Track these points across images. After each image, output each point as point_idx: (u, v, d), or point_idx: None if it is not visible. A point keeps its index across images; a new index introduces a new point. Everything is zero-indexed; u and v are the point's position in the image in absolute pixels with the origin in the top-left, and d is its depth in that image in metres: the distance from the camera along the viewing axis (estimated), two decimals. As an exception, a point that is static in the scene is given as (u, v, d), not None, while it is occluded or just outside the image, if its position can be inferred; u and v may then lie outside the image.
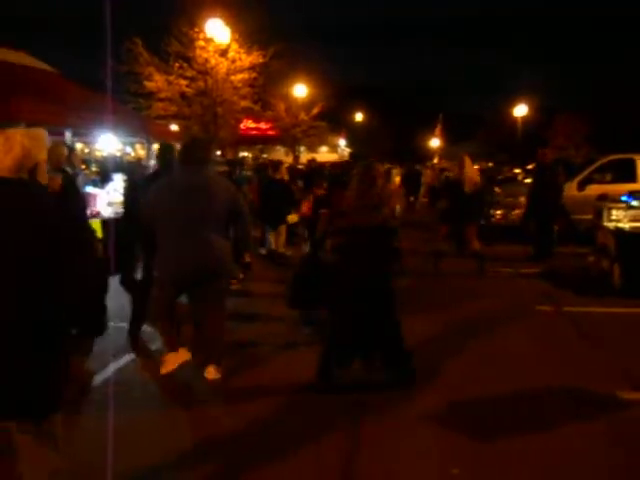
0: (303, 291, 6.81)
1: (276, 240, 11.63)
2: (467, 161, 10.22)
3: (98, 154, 18.61)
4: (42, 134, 2.71)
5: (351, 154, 45.77)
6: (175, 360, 5.37)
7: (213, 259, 5.13)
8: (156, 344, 6.32)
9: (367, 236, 5.14)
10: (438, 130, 53.48)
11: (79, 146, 14.74)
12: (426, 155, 52.36)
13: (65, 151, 6.60)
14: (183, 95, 21.69)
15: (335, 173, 14.72)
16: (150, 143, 12.13)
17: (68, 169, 6.67)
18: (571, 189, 13.52)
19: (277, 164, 12.92)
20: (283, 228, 11.67)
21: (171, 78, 21.13)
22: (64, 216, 2.61)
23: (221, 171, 11.06)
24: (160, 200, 5.19)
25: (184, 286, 5.31)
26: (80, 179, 7.64)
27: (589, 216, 11.44)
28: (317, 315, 6.80)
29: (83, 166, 12.03)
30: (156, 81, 20.89)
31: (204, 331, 5.42)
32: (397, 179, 26.21)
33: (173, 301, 5.37)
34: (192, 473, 3.96)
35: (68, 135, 9.16)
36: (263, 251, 11.82)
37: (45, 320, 2.51)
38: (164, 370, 5.34)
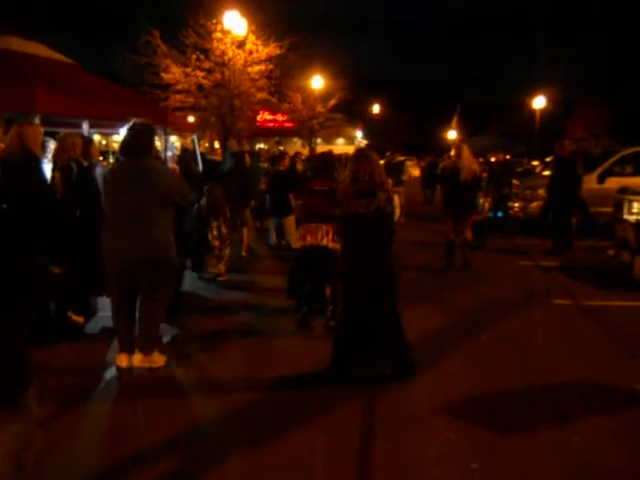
0: (295, 281, 6.82)
1: (286, 231, 11.56)
2: (465, 150, 10.01)
3: (115, 145, 18.67)
4: None
5: (367, 146, 45.61)
6: (126, 361, 5.29)
7: (150, 249, 5.05)
8: (167, 336, 6.34)
9: (364, 223, 5.12)
10: (455, 122, 53.08)
11: (97, 138, 14.78)
12: (444, 147, 52.04)
13: (79, 142, 6.60)
14: (200, 87, 21.69)
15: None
16: (167, 135, 12.13)
17: (84, 162, 6.66)
18: (591, 182, 13.37)
19: (281, 155, 12.87)
20: (291, 219, 11.55)
21: (188, 70, 21.13)
22: None
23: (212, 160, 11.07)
24: (109, 189, 5.22)
25: (130, 277, 5.16)
26: (98, 171, 7.64)
27: (609, 209, 11.30)
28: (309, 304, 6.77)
29: (100, 158, 12.04)
30: (173, 73, 20.91)
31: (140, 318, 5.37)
32: (412, 171, 26.04)
33: (128, 295, 5.25)
34: (203, 458, 3.94)
35: (85, 127, 9.17)
36: (283, 242, 11.81)
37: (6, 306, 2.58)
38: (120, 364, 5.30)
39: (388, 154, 22.53)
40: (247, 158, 11.40)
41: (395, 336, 5.22)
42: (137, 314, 5.38)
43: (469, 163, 9.89)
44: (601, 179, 13.88)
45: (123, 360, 5.27)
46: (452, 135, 55.16)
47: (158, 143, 11.38)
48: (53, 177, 6.34)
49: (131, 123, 5.27)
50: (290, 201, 11.23)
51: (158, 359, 5.37)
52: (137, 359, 5.26)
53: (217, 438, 4.27)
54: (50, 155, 6.81)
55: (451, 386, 5.17)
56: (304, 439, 4.20)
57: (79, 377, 5.27)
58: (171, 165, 11.34)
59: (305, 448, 4.08)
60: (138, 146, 5.15)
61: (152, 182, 5.06)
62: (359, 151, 5.61)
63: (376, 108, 55.27)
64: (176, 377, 5.35)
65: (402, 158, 22.78)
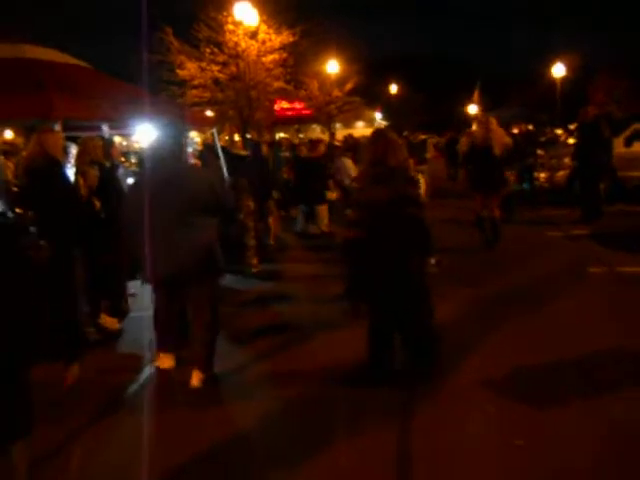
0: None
1: (319, 219, 11.62)
2: (493, 122, 9.56)
3: (136, 146, 18.75)
4: None
5: (387, 127, 45.32)
6: (167, 362, 5.16)
7: (191, 256, 4.72)
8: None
9: (384, 210, 4.72)
10: (476, 96, 52.50)
11: (117, 139, 14.87)
12: (465, 122, 51.54)
13: (100, 144, 6.65)
14: (216, 81, 21.67)
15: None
16: (186, 131, 12.14)
17: (107, 163, 6.71)
18: (618, 146, 13.10)
19: (313, 142, 12.83)
20: (324, 207, 11.61)
21: (203, 64, 21.11)
22: None
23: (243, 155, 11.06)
24: (136, 197, 4.88)
25: (172, 285, 4.91)
26: (120, 172, 7.69)
27: (638, 173, 11.09)
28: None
29: (122, 159, 12.11)
30: (189, 69, 20.91)
31: (193, 333, 5.09)
32: (434, 148, 25.84)
33: (171, 298, 5.03)
34: (242, 462, 3.92)
35: (105, 129, 9.20)
36: (315, 229, 11.83)
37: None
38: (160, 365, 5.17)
39: (406, 133, 22.37)
40: (264, 147, 11.37)
41: (418, 327, 4.91)
42: (176, 318, 5.21)
43: (499, 135, 9.55)
44: (628, 142, 13.59)
45: (164, 361, 5.15)
46: (473, 109, 54.62)
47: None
48: (76, 181, 6.38)
49: (161, 123, 5.05)
50: (323, 189, 11.26)
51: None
52: (196, 379, 4.95)
53: (254, 445, 4.15)
54: (72, 160, 6.87)
55: (485, 364, 5.11)
56: (348, 427, 4.17)
57: (115, 380, 5.25)
58: (192, 161, 11.37)
59: (350, 436, 4.06)
60: (166, 149, 4.89)
61: (182, 186, 4.73)
62: (376, 132, 5.33)
63: (393, 88, 54.88)
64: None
65: (424, 136, 22.62)
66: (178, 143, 4.97)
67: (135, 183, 5.14)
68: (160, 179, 4.72)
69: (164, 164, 4.82)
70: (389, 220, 4.75)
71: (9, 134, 15.79)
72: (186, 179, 4.81)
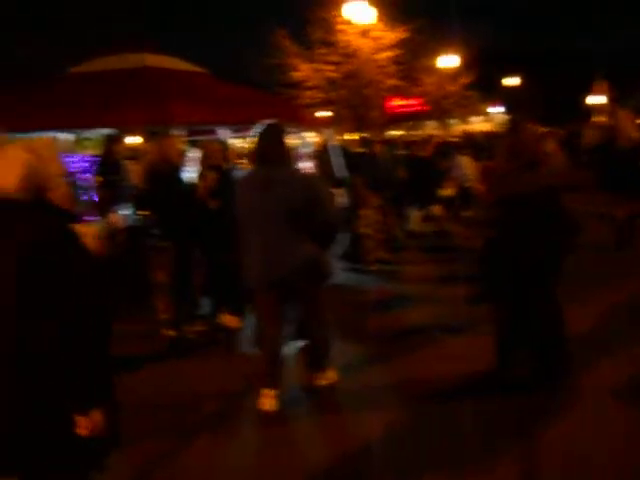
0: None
1: (433, 218, 11.46)
2: (621, 113, 9.01)
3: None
4: (50, 144, 2.49)
5: (509, 120, 43.96)
6: (271, 399, 4.70)
7: (294, 262, 4.51)
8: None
9: (530, 204, 4.38)
10: (601, 86, 50.07)
11: (236, 141, 15.32)
12: (586, 114, 49.26)
13: (219, 148, 6.84)
14: (330, 81, 21.81)
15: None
16: (301, 132, 12.25)
17: (224, 165, 6.88)
18: None
19: (424, 140, 12.63)
20: (439, 206, 11.41)
21: (316, 65, 21.32)
22: (71, 248, 2.33)
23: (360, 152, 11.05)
24: (240, 198, 4.73)
25: (276, 292, 4.65)
26: (236, 173, 7.88)
27: None
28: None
29: (241, 160, 12.44)
30: (303, 71, 21.19)
31: (308, 338, 4.94)
32: (553, 142, 24.88)
33: (275, 315, 4.75)
34: (362, 473, 3.82)
35: (222, 132, 9.46)
36: (430, 229, 11.68)
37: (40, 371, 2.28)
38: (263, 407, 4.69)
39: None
40: (378, 146, 11.30)
41: (551, 331, 4.64)
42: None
43: (625, 127, 8.83)
44: None
45: (266, 399, 4.71)
46: (598, 100, 52.15)
47: (298, 141, 11.63)
48: (198, 183, 6.57)
49: (261, 127, 4.83)
50: (437, 188, 11.07)
51: (332, 375, 5.02)
52: (322, 378, 4.93)
53: (375, 455, 4.01)
54: (189, 163, 7.11)
55: (624, 367, 4.84)
56: (469, 442, 4.02)
57: (233, 384, 5.16)
58: (306, 163, 11.48)
59: (471, 448, 3.91)
60: (267, 153, 4.67)
61: (280, 191, 4.48)
62: (511, 124, 5.06)
63: (512, 81, 53.31)
64: (335, 388, 4.97)
65: (545, 129, 21.73)
66: (280, 145, 4.73)
67: (240, 185, 4.94)
68: (261, 182, 4.57)
69: (266, 167, 4.65)
70: (535, 215, 4.43)
71: (136, 139, 16.61)
72: (288, 183, 4.55)
